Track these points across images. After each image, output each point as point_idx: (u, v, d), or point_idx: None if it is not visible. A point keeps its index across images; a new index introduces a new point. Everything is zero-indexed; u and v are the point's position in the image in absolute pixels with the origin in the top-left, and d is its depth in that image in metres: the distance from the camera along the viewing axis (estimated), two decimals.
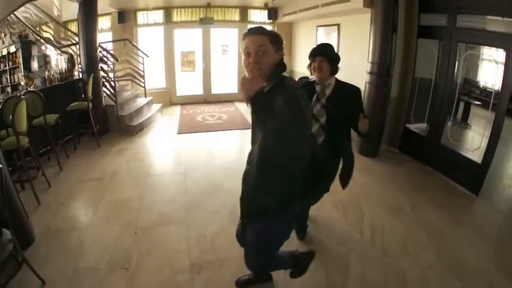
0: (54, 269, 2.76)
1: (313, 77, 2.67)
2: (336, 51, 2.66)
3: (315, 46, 2.69)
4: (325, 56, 2.56)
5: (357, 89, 2.65)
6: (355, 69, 5.46)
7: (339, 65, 2.64)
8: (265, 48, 1.69)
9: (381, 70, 5.19)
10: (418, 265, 2.98)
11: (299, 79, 2.82)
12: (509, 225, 3.75)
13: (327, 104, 2.60)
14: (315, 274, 2.80)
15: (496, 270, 2.91)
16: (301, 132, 1.61)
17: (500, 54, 4.04)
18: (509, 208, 4.18)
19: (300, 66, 9.71)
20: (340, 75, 2.71)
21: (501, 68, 3.98)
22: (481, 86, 4.64)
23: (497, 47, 4.08)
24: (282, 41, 1.78)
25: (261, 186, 1.80)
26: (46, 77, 5.45)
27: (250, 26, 9.43)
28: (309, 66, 2.66)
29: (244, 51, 1.73)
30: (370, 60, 5.33)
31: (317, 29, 8.41)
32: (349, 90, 2.64)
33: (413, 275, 2.86)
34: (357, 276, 2.82)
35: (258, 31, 1.73)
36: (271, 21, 9.82)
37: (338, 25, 7.34)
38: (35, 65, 5.62)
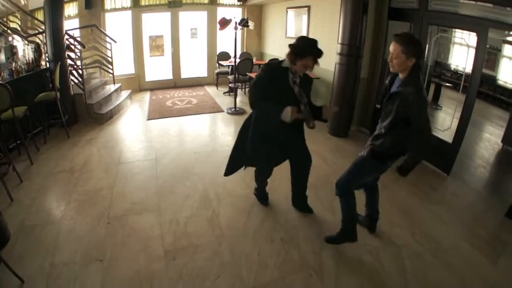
0: (32, 266, 2.73)
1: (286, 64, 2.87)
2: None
3: (310, 44, 2.84)
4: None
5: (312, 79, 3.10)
6: (326, 50, 5.34)
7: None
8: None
9: (351, 51, 5.26)
10: (392, 243, 3.08)
11: (272, 61, 3.00)
12: (481, 203, 3.87)
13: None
14: (290, 255, 2.90)
15: (471, 248, 3.02)
16: None
17: (471, 38, 4.07)
18: (481, 186, 4.32)
19: (270, 49, 9.72)
20: None
21: (472, 51, 4.01)
22: (452, 69, 4.71)
23: (469, 30, 4.10)
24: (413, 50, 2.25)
25: None
26: (13, 68, 5.29)
27: (219, 8, 9.47)
28: (297, 61, 2.79)
29: None
30: (340, 42, 5.37)
31: (287, 11, 8.39)
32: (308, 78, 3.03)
33: (388, 253, 2.94)
34: (331, 255, 2.90)
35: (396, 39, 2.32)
36: (241, 3, 9.68)
37: (308, 7, 7.35)
38: (2, 57, 5.39)
